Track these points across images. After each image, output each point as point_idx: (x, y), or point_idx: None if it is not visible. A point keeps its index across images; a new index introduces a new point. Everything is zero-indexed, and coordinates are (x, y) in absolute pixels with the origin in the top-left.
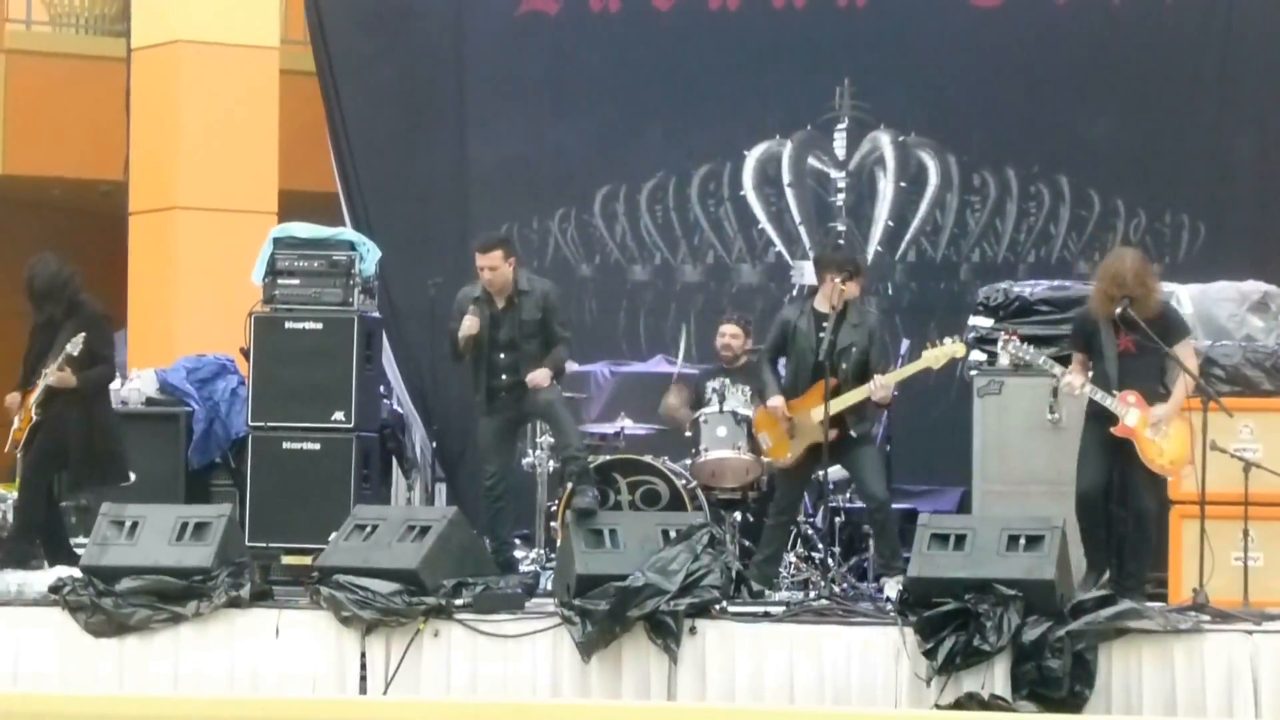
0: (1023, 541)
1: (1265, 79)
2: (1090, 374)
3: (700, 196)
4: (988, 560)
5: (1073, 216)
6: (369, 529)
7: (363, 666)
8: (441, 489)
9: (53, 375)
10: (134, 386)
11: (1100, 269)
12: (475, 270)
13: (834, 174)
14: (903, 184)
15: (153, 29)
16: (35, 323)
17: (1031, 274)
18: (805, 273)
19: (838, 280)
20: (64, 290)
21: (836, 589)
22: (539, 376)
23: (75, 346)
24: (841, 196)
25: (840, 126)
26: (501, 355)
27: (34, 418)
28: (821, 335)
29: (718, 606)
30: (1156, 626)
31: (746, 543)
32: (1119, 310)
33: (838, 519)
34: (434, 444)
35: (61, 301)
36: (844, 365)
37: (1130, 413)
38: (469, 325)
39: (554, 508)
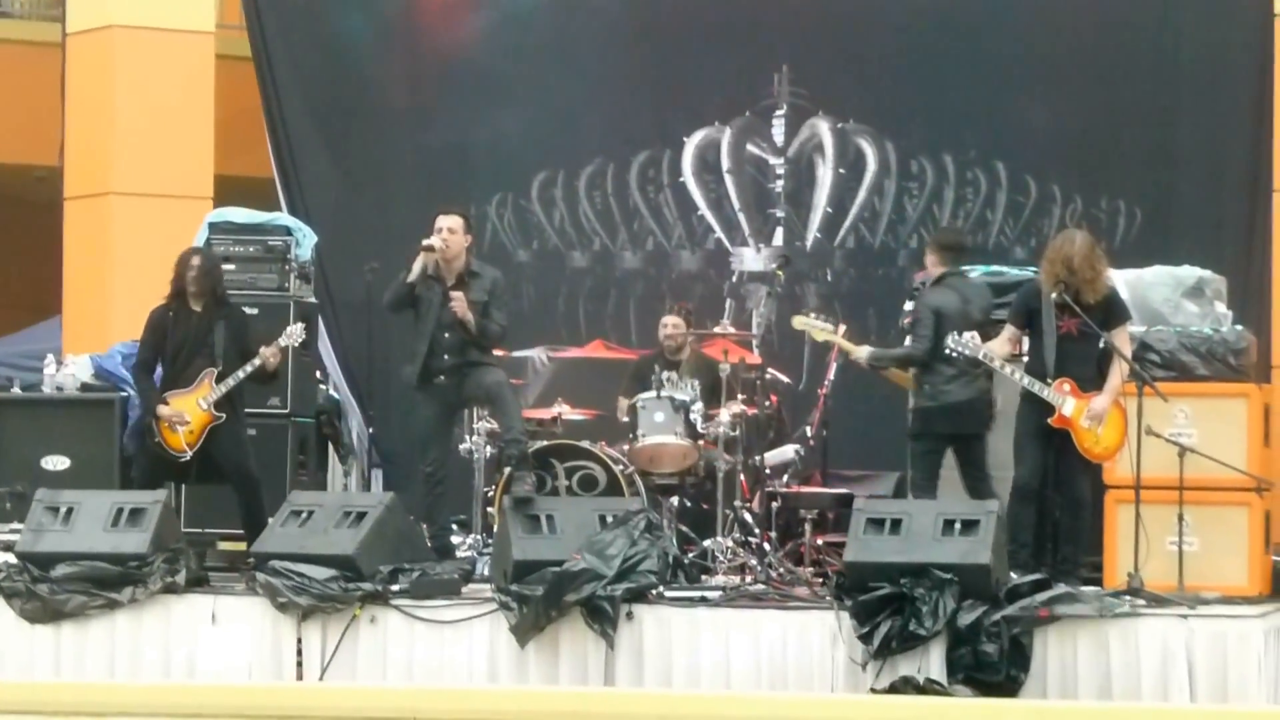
0: (958, 526)
1: (1205, 65)
2: (1026, 354)
3: (639, 183)
4: (923, 545)
5: (1009, 202)
6: (305, 515)
7: (299, 653)
8: (378, 475)
9: (272, 357)
10: (69, 372)
11: (1049, 249)
12: (431, 232)
13: (773, 160)
14: (841, 170)
15: (88, 14)
16: (171, 316)
17: (969, 260)
18: (745, 259)
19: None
20: (220, 284)
21: (773, 573)
22: (460, 301)
23: (291, 339)
24: (780, 183)
25: (779, 113)
26: (446, 335)
27: (215, 417)
28: None
29: (654, 591)
30: (1091, 611)
31: (683, 528)
32: (1055, 295)
33: (774, 504)
34: (370, 430)
35: (215, 295)
36: None
37: (1067, 402)
38: (431, 241)
39: (491, 493)
